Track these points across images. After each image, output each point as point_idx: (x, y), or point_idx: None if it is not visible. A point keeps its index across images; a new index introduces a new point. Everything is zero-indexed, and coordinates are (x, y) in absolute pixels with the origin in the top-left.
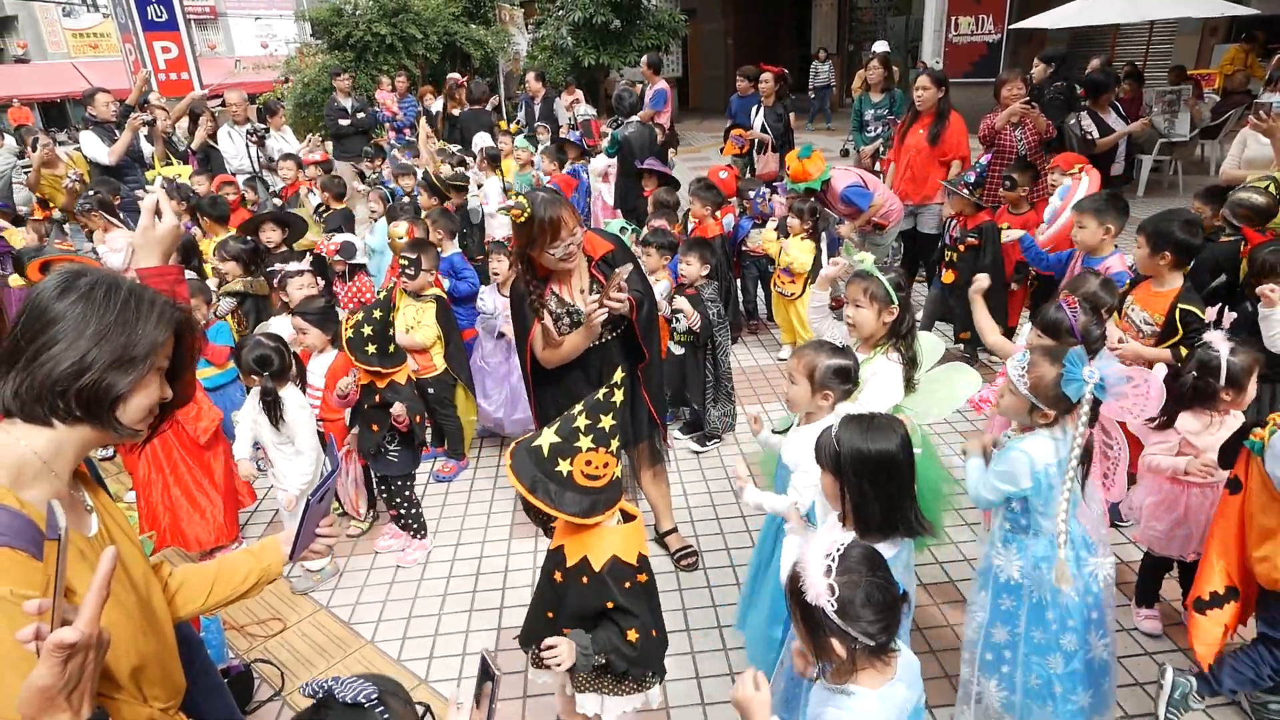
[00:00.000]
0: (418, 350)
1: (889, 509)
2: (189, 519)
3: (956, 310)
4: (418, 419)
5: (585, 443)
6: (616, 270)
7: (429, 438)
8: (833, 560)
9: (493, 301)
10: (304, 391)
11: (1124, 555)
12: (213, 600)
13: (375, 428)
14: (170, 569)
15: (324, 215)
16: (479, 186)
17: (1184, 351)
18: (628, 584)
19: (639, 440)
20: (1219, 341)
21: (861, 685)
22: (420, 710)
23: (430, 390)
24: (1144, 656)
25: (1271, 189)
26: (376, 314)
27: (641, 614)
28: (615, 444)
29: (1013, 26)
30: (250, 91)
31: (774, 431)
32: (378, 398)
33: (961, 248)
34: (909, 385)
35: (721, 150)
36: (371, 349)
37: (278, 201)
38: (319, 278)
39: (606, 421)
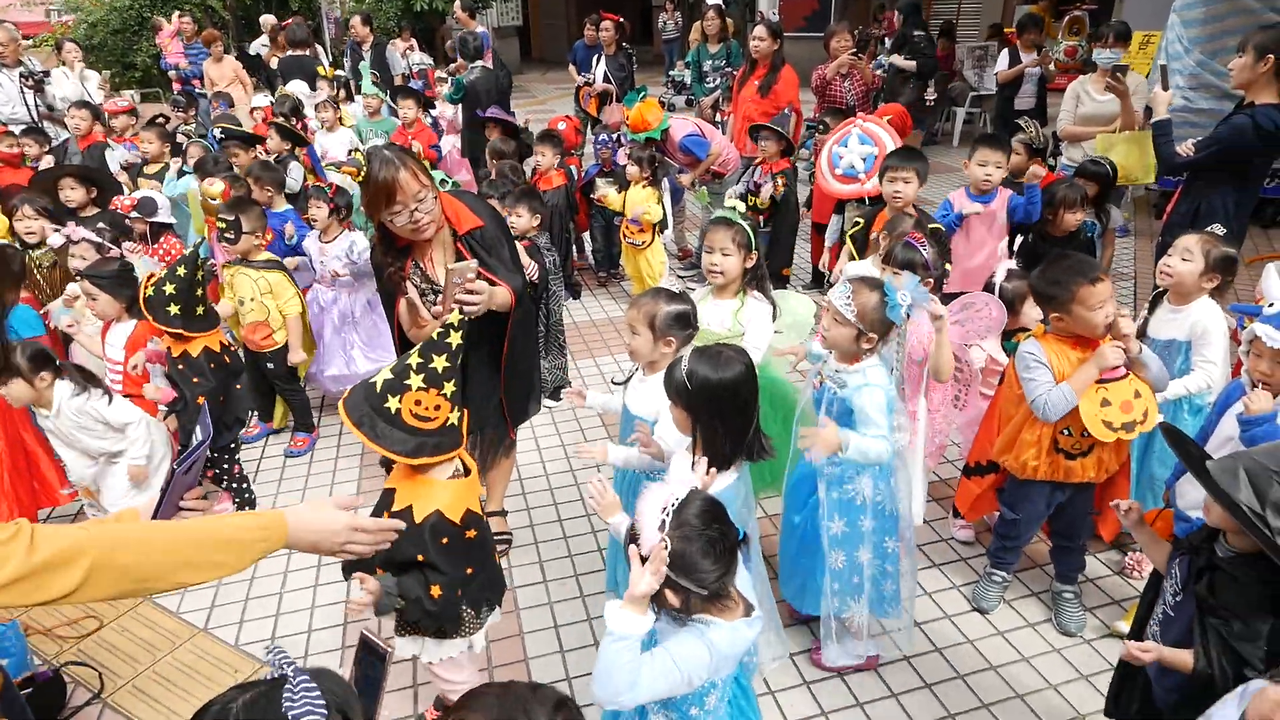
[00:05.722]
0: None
1: (736, 436)
2: None
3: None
4: (200, 400)
5: (416, 381)
6: (451, 268)
7: (256, 415)
8: (668, 514)
9: (314, 248)
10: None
11: (942, 474)
12: None
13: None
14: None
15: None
16: (324, 127)
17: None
18: (445, 540)
19: (485, 429)
20: (1002, 270)
21: (713, 617)
22: None
23: (270, 365)
24: (960, 562)
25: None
26: (181, 271)
27: (450, 572)
28: (450, 388)
29: None
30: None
31: (615, 383)
32: (180, 367)
33: (761, 199)
34: None
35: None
36: (174, 309)
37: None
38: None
39: (440, 362)
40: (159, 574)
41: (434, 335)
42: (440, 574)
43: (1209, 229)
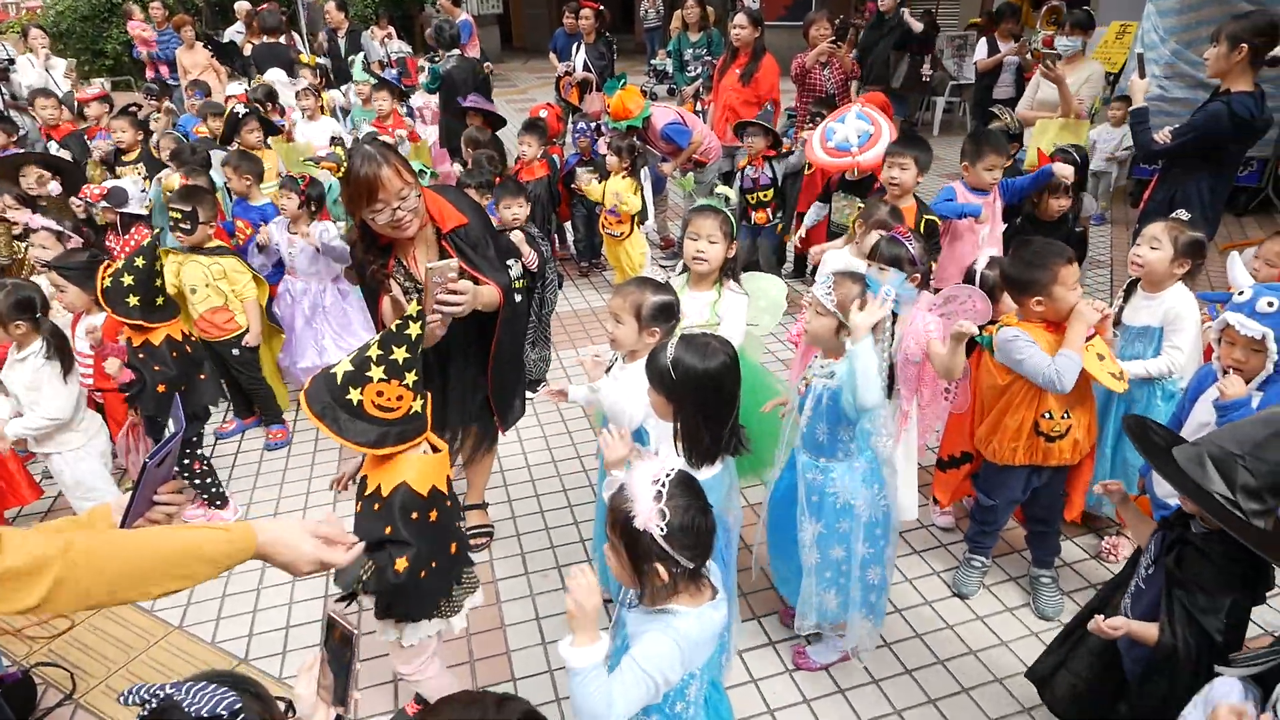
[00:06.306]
0: (220, 311)
1: (718, 426)
2: None
3: (764, 249)
4: (161, 387)
5: (377, 373)
6: (430, 267)
7: (231, 409)
8: (662, 486)
9: (283, 239)
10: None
11: (923, 462)
12: None
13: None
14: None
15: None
16: (306, 116)
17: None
18: (415, 515)
19: (468, 423)
20: (984, 258)
21: (681, 605)
22: (282, 706)
23: (235, 352)
24: (940, 548)
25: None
26: (139, 261)
27: (419, 547)
28: (411, 378)
29: None
30: None
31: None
32: (141, 355)
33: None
34: None
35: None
36: (133, 300)
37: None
38: (88, 229)
39: (400, 354)
40: (128, 585)
41: (393, 326)
42: (407, 547)
43: (1173, 215)
